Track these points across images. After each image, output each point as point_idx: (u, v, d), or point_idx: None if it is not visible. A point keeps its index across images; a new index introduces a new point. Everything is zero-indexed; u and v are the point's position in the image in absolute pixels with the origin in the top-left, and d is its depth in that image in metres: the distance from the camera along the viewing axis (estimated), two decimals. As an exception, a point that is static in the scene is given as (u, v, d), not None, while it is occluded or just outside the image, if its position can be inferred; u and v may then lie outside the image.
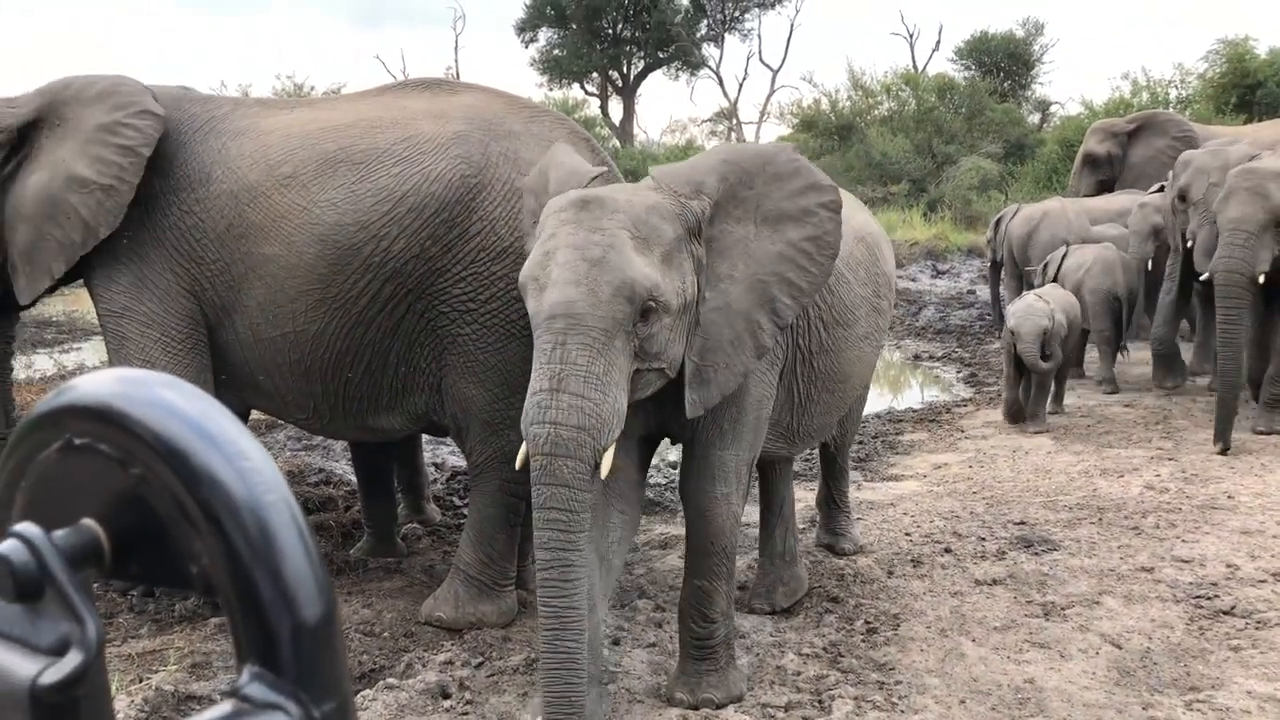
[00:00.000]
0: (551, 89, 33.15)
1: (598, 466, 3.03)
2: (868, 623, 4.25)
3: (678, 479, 3.85)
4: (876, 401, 9.51)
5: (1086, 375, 9.62)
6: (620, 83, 33.84)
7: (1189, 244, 7.93)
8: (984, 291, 14.12)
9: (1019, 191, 20.11)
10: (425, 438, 6.03)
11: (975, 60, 30.01)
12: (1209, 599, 4.38)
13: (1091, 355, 9.60)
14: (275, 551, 0.55)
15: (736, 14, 33.93)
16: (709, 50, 34.14)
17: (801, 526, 5.09)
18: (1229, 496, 5.86)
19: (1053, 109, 29.66)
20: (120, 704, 3.47)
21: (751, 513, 4.89)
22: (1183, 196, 8.05)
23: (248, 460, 0.56)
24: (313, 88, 28.63)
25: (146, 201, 4.16)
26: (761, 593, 4.47)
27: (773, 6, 33.98)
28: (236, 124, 4.30)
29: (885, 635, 4.13)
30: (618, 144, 29.17)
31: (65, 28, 59.86)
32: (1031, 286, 9.35)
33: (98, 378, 0.59)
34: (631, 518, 3.57)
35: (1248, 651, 3.90)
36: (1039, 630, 4.13)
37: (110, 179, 4.13)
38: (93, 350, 11.31)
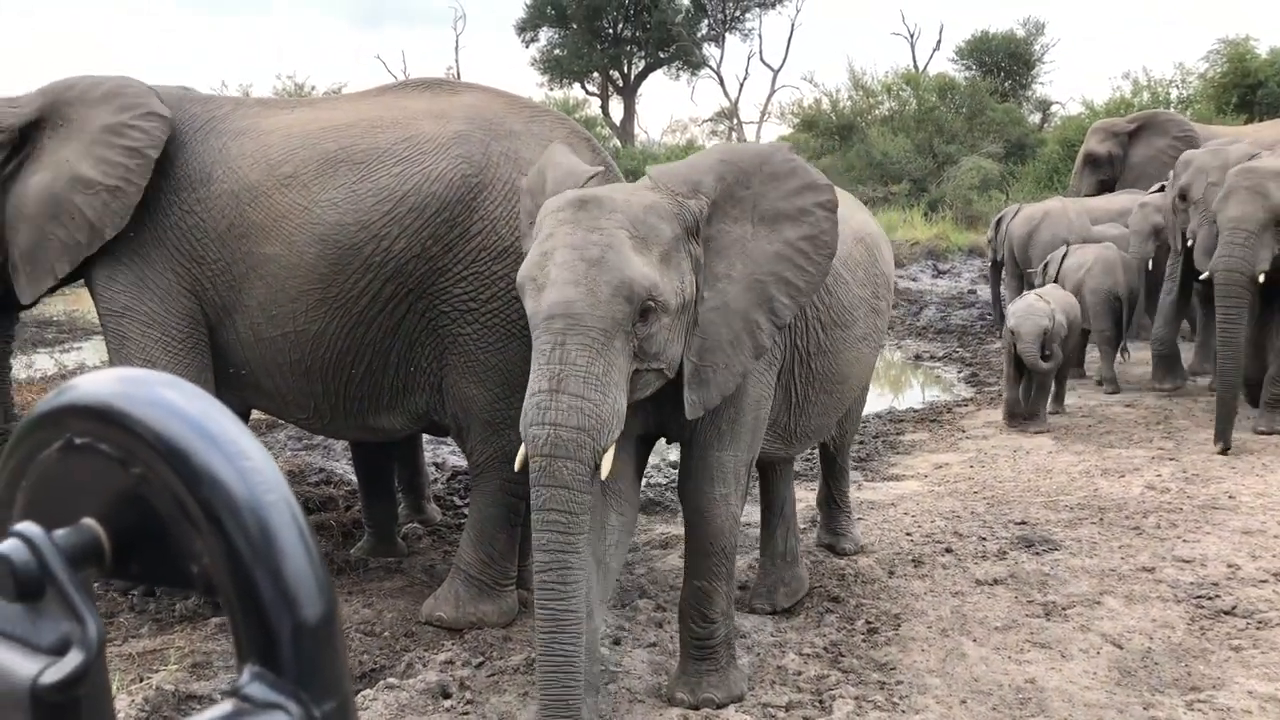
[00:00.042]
0: (552, 89, 33.20)
1: (597, 468, 3.01)
2: (869, 622, 4.25)
3: (677, 479, 3.85)
4: (877, 401, 9.51)
5: (1087, 375, 9.62)
6: (621, 82, 33.84)
7: (1189, 243, 7.93)
8: (985, 291, 14.12)
9: (1020, 191, 20.12)
10: (426, 437, 6.03)
11: (976, 60, 30.01)
12: (1210, 599, 4.38)
13: (1092, 355, 9.60)
14: (276, 551, 0.55)
15: (737, 14, 33.94)
16: (710, 50, 34.19)
17: (802, 526, 5.09)
18: (1230, 496, 5.85)
19: (1053, 109, 29.69)
20: (121, 703, 3.47)
21: (752, 513, 4.89)
22: (1183, 196, 8.05)
23: (248, 460, 0.56)
24: (313, 88, 28.66)
25: (148, 201, 4.16)
26: (763, 593, 4.46)
27: (773, 6, 34.00)
28: (237, 124, 4.30)
29: (886, 635, 4.13)
30: (618, 144, 29.17)
31: (65, 28, 59.93)
32: (1032, 286, 9.35)
33: (98, 377, 0.59)
34: (629, 519, 3.56)
35: (1249, 651, 3.90)
36: (1040, 630, 4.13)
37: (117, 180, 4.13)
38: (93, 350, 11.31)
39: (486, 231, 4.00)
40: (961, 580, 4.69)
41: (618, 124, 33.12)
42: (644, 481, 6.50)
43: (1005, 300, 11.24)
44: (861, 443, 7.45)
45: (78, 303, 11.81)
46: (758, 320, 3.36)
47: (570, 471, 2.95)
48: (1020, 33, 30.41)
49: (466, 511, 5.10)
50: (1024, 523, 5.49)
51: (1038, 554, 5.01)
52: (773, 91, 34.05)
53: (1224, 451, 6.81)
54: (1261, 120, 15.87)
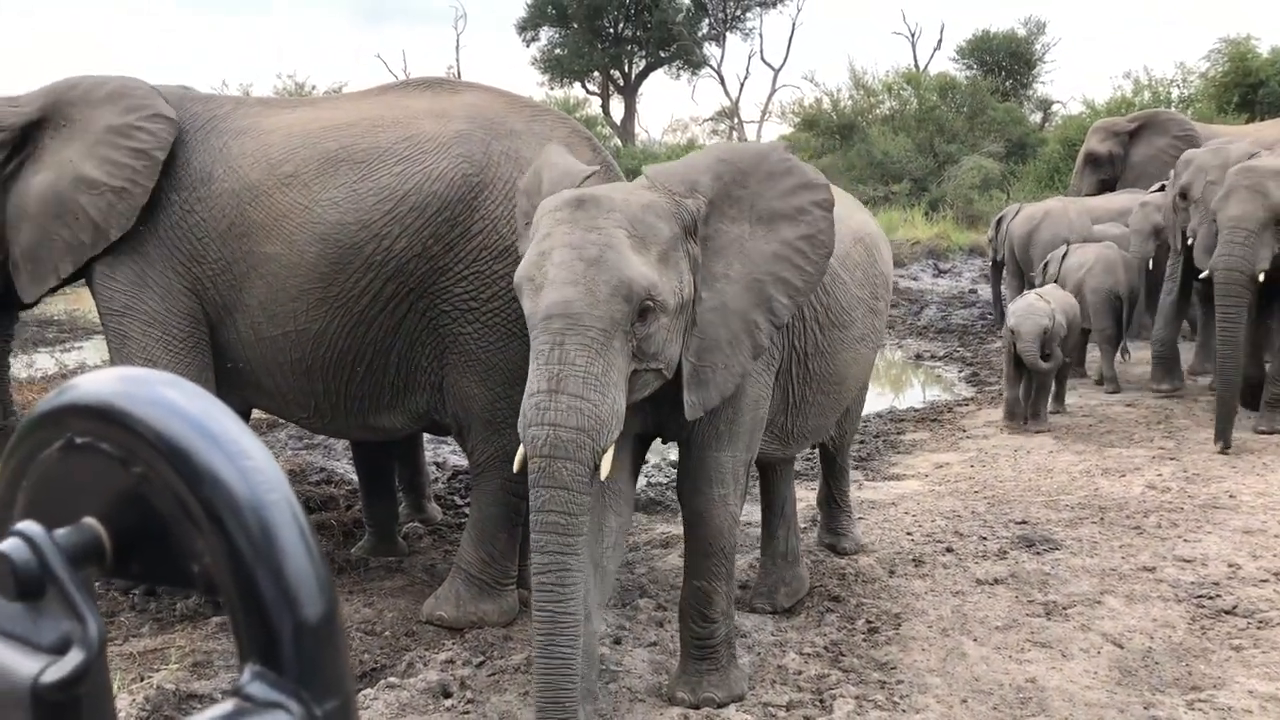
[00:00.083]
0: (553, 88, 33.20)
1: (597, 468, 2.99)
2: (869, 622, 4.25)
3: (676, 480, 3.84)
4: (878, 401, 9.51)
5: (1088, 375, 9.61)
6: (621, 82, 33.84)
7: (1189, 242, 7.92)
8: (986, 291, 14.12)
9: (1021, 191, 20.12)
10: (426, 437, 6.03)
11: (977, 59, 30.01)
12: (1211, 598, 4.38)
13: (1093, 355, 9.59)
14: (277, 550, 0.55)
15: (738, 13, 33.95)
16: (710, 49, 34.20)
17: (803, 526, 5.09)
18: (1231, 496, 5.85)
19: (1054, 108, 29.68)
20: (122, 703, 3.47)
21: (752, 512, 4.89)
22: (1184, 194, 8.03)
23: (250, 459, 0.56)
24: (314, 87, 28.67)
25: (149, 200, 4.16)
26: (763, 592, 4.46)
27: (774, 5, 34.01)
28: (238, 123, 4.30)
29: (887, 634, 4.13)
30: (619, 143, 29.17)
31: (65, 28, 59.94)
32: (1033, 286, 9.35)
33: (99, 377, 0.59)
34: (625, 520, 3.55)
35: (1249, 651, 3.90)
36: (1041, 630, 4.13)
37: (123, 181, 4.14)
38: (94, 349, 11.31)
39: (488, 231, 4.00)
40: (962, 580, 4.69)
41: (618, 123, 33.12)
42: (645, 481, 6.51)
43: (1006, 300, 11.24)
44: (862, 442, 7.45)
45: (79, 302, 11.81)
46: (756, 320, 3.35)
47: (570, 473, 2.93)
48: (1021, 32, 30.42)
49: (467, 511, 5.10)
50: (1025, 522, 5.49)
51: (1038, 553, 5.00)
52: (773, 91, 34.10)
53: (1224, 450, 6.80)
54: (1263, 120, 15.86)
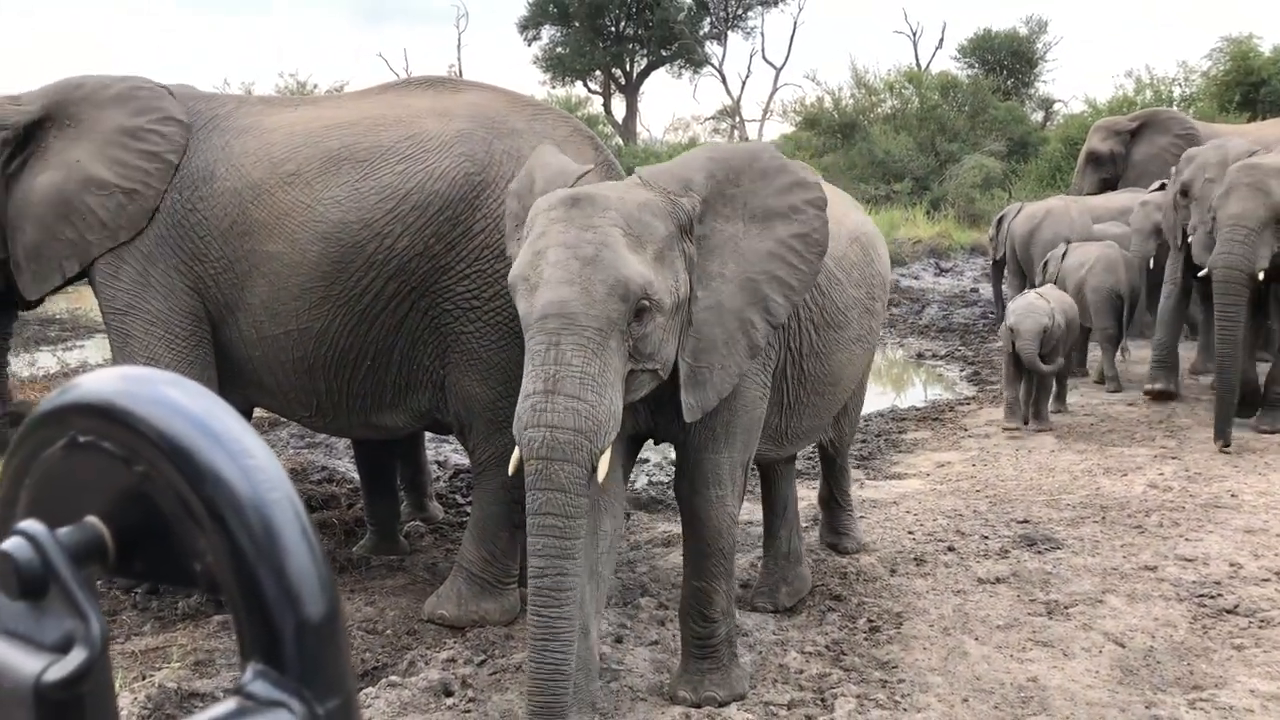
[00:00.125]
0: (554, 87, 33.18)
1: (594, 470, 2.97)
2: (870, 621, 4.25)
3: (674, 480, 3.83)
4: (879, 400, 9.51)
5: (1089, 374, 9.60)
6: (623, 81, 33.83)
7: (1189, 239, 7.88)
8: (987, 290, 14.11)
9: (1022, 190, 20.11)
10: (428, 435, 6.03)
11: (978, 58, 29.99)
12: (1212, 598, 4.38)
13: (1094, 354, 9.58)
14: (279, 549, 0.55)
15: (739, 12, 33.92)
16: (712, 48, 34.17)
17: (804, 525, 5.08)
18: (1232, 495, 5.85)
19: (1056, 107, 29.67)
20: (123, 701, 3.47)
21: (754, 510, 4.89)
22: (1185, 192, 8.01)
23: (252, 458, 0.56)
24: (315, 86, 28.65)
25: None
26: (765, 591, 4.46)
27: (775, 4, 33.98)
28: (240, 122, 4.30)
29: (888, 633, 4.13)
30: (620, 142, 29.15)
31: (65, 28, 59.97)
32: (1034, 285, 9.34)
33: (102, 376, 0.59)
34: (619, 523, 3.53)
35: (1251, 650, 3.90)
36: (1042, 629, 4.13)
37: (136, 184, 4.14)
38: (96, 348, 11.31)
39: (489, 229, 3.99)
40: (963, 579, 4.69)
41: (620, 122, 33.11)
42: (646, 479, 6.52)
43: (1008, 298, 11.23)
44: (863, 441, 7.44)
45: (80, 301, 11.81)
46: (752, 319, 3.33)
47: (567, 475, 2.90)
48: (1023, 31, 30.41)
49: (469, 509, 5.11)
50: (1026, 521, 5.49)
51: (1040, 552, 5.00)
52: (775, 90, 34.06)
53: (1225, 449, 6.79)
54: (1264, 119, 15.85)
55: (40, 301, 4.74)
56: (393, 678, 3.68)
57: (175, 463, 0.55)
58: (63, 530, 0.56)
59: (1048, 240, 10.39)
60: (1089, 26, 57.59)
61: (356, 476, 5.64)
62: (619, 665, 3.86)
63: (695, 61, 33.79)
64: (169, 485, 0.55)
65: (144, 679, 3.70)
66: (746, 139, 30.60)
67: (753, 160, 3.44)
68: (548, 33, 33.17)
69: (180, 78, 4.57)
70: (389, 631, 4.21)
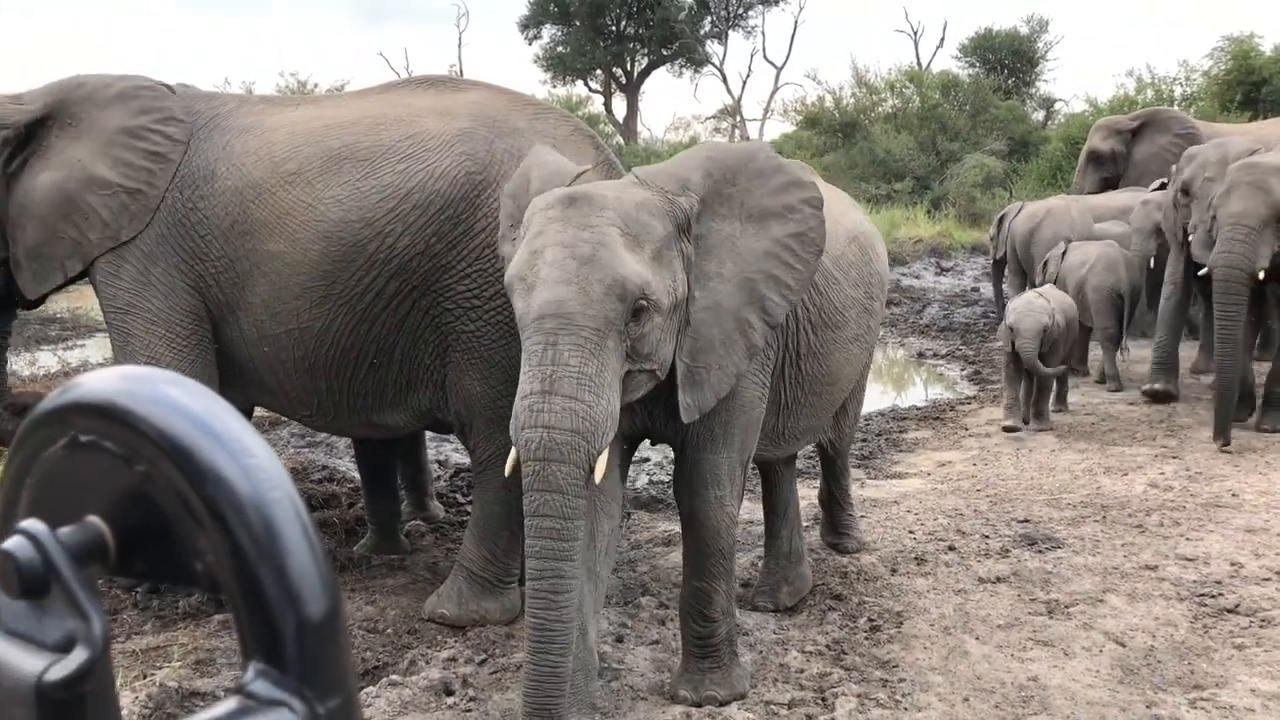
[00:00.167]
0: (555, 86, 33.18)
1: (591, 471, 2.95)
2: (871, 620, 4.24)
3: (673, 481, 3.82)
4: (880, 399, 9.51)
5: (1089, 373, 9.60)
6: (624, 80, 33.82)
7: (1189, 237, 7.87)
8: (988, 289, 14.10)
9: (1023, 189, 20.10)
10: (429, 434, 6.03)
11: (979, 57, 29.98)
12: (1213, 597, 4.38)
13: (1095, 353, 9.58)
14: (280, 548, 0.55)
15: (740, 11, 33.91)
16: (713, 47, 34.16)
17: (805, 524, 5.08)
18: (1233, 494, 5.85)
19: (1057, 106, 29.66)
20: (124, 700, 3.47)
21: (755, 509, 4.89)
22: (1185, 191, 8.00)
23: (252, 457, 0.56)
24: (316, 85, 28.66)
25: None
26: (766, 591, 4.46)
27: (776, 3, 33.99)
28: (241, 121, 4.30)
29: (889, 633, 4.13)
30: (621, 141, 29.15)
31: (65, 28, 59.96)
32: (1034, 285, 9.34)
33: (103, 375, 0.59)
34: (616, 523, 3.52)
35: (1252, 650, 3.90)
36: (1043, 628, 4.13)
37: (139, 183, 4.15)
38: (97, 347, 11.31)
39: (491, 228, 3.99)
40: (964, 578, 4.69)
41: (621, 121, 33.11)
42: (646, 478, 6.52)
43: (1008, 298, 11.22)
44: (864, 440, 7.44)
45: (81, 300, 11.81)
46: (749, 319, 3.32)
47: (565, 476, 2.88)
48: (1024, 30, 30.40)
49: (469, 509, 5.11)
50: (1027, 520, 5.49)
51: (1040, 552, 5.00)
52: (776, 89, 34.09)
53: (1225, 448, 6.79)
54: (1265, 118, 15.84)
55: (42, 301, 4.73)
56: (393, 677, 3.68)
57: (176, 462, 0.55)
58: (64, 530, 0.56)
59: (1048, 239, 10.38)
60: (1090, 25, 57.64)
61: (357, 475, 5.64)
62: (620, 664, 3.86)
63: (696, 61, 33.77)
64: (170, 484, 0.55)
65: (145, 678, 3.70)
66: (747, 138, 30.59)
67: (749, 160, 3.43)
68: (548, 32, 33.17)
69: (180, 77, 4.57)
70: (390, 630, 4.21)
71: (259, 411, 5.09)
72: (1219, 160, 7.55)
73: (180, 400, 0.57)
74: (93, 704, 0.54)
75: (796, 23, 41.54)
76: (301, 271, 4.03)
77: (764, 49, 41.06)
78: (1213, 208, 7.10)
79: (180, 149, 4.18)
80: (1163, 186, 9.33)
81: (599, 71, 33.63)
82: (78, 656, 0.53)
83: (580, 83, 33.88)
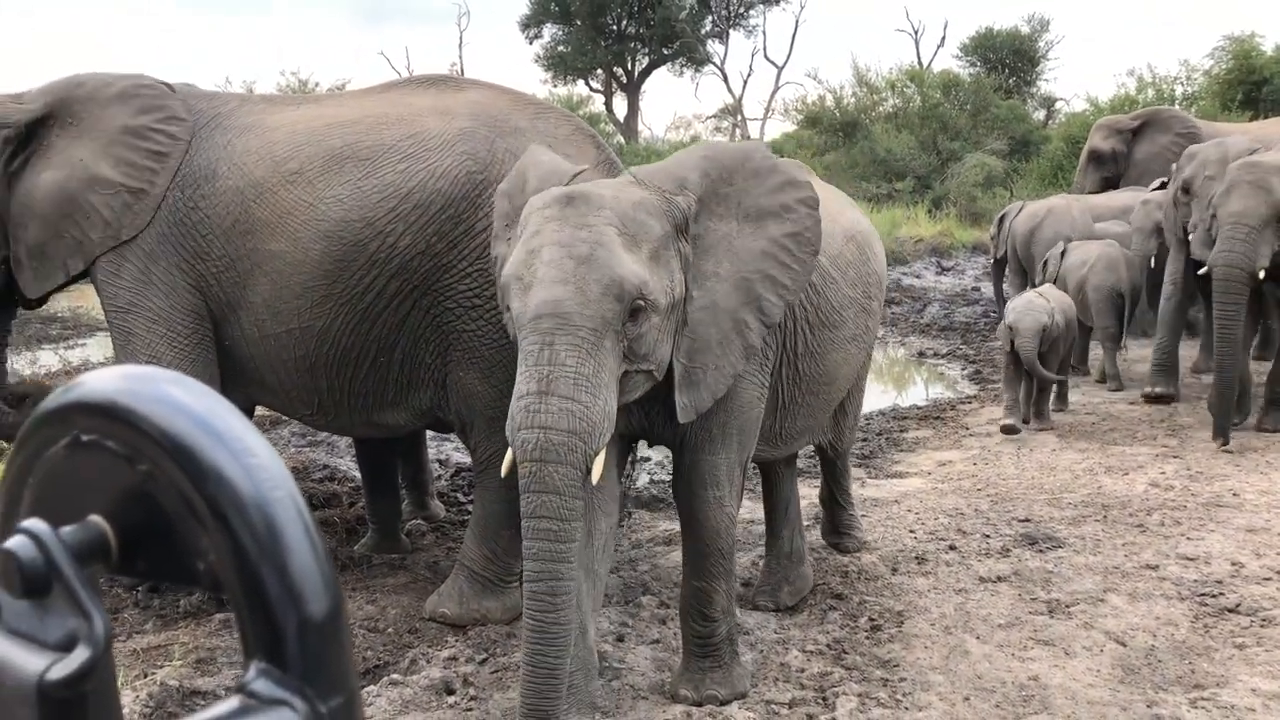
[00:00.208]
0: (556, 85, 33.19)
1: (588, 472, 2.93)
2: (872, 620, 4.24)
3: (671, 481, 3.81)
4: (881, 398, 9.51)
5: (1090, 373, 9.60)
6: (625, 79, 33.81)
7: (1189, 236, 7.85)
8: (989, 288, 14.09)
9: (1024, 188, 20.10)
10: (429, 433, 6.03)
11: (980, 57, 29.99)
12: (1214, 596, 4.38)
13: (1095, 353, 9.58)
14: (282, 547, 0.55)
15: (741, 10, 33.90)
16: (713, 47, 34.14)
17: (806, 523, 5.08)
18: (1234, 494, 5.85)
19: (1058, 105, 29.66)
20: (125, 699, 3.48)
21: (756, 508, 4.89)
22: (1186, 189, 7.99)
23: (254, 457, 0.56)
24: (317, 84, 28.65)
25: None
26: (767, 590, 4.46)
27: (777, 3, 34.01)
28: (242, 120, 4.30)
29: (889, 632, 4.13)
30: (622, 140, 29.15)
31: (65, 28, 59.96)
32: (1035, 284, 9.33)
33: (104, 374, 0.59)
34: (614, 521, 3.52)
35: (1252, 649, 3.90)
36: (1043, 627, 4.13)
37: (141, 183, 4.15)
38: (98, 346, 11.32)
39: (491, 228, 3.99)
40: (965, 577, 4.69)
41: (622, 121, 33.10)
42: (647, 478, 6.52)
43: (1009, 297, 11.22)
44: (865, 440, 7.44)
45: (83, 299, 11.82)
46: (746, 319, 3.30)
47: (561, 476, 2.86)
48: (1025, 29, 30.41)
49: (470, 508, 5.11)
50: (1027, 520, 5.49)
51: (1041, 551, 5.00)
52: (777, 88, 34.13)
53: (1224, 447, 6.78)
54: (1266, 117, 15.84)
55: (44, 300, 4.73)
56: (394, 676, 3.68)
57: (178, 461, 0.55)
58: (66, 529, 0.56)
59: (1049, 239, 10.38)
60: (1091, 25, 57.62)
61: (358, 475, 5.65)
62: (620, 663, 3.86)
63: (697, 60, 33.77)
64: (172, 484, 0.55)
65: (146, 677, 3.70)
66: (748, 137, 30.59)
67: (745, 159, 3.43)
68: (549, 31, 33.18)
69: (181, 77, 4.58)
70: (391, 630, 4.21)
71: (260, 410, 5.09)
72: (1219, 159, 7.53)
73: (182, 399, 0.57)
74: (94, 703, 0.54)
75: (797, 22, 41.60)
76: (303, 270, 4.03)
77: (765, 48, 41.23)
78: (1213, 207, 7.08)
79: (182, 148, 4.19)
80: (1163, 186, 9.32)
81: (600, 71, 33.63)
82: (79, 655, 0.53)
83: (581, 82, 33.90)
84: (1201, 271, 7.32)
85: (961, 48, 30.53)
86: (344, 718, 0.56)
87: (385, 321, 4.07)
